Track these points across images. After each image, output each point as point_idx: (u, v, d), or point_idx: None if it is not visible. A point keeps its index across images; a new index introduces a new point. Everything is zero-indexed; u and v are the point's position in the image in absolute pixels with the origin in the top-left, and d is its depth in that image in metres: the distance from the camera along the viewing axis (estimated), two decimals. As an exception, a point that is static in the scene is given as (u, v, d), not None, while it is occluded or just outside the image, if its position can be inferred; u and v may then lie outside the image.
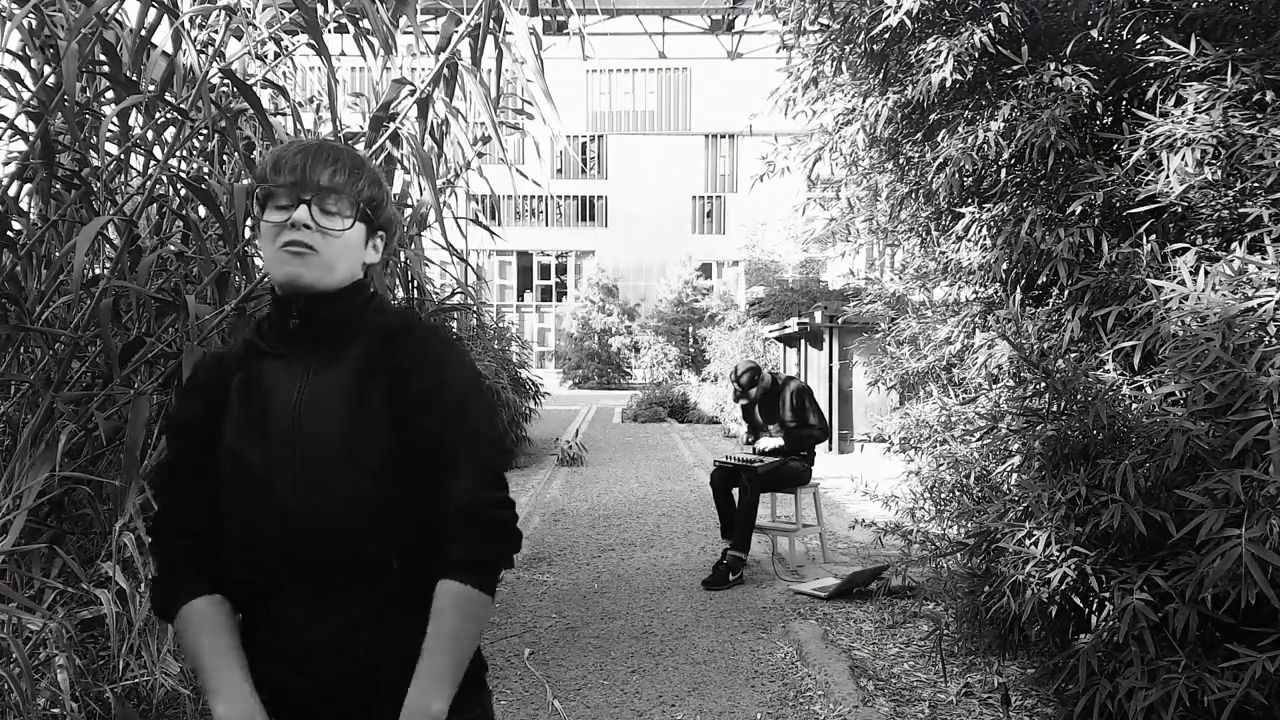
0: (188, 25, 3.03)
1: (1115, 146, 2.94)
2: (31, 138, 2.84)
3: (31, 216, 3.19)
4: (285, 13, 3.20)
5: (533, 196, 35.97)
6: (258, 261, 3.77)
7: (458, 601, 1.14)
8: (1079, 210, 2.87)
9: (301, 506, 1.15)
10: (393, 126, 3.14)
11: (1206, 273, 2.39)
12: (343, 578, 1.17)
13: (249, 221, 3.11)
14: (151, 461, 3.02)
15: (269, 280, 1.24)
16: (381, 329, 1.25)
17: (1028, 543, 2.64)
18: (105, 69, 2.99)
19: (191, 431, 1.25)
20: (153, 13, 3.05)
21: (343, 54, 3.68)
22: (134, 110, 3.05)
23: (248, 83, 3.16)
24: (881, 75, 3.50)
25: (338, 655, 1.16)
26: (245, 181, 3.57)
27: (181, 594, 1.21)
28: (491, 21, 3.07)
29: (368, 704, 1.16)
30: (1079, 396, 2.59)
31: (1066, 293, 2.95)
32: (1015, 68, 3.01)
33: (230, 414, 1.22)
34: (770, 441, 5.69)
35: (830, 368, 12.28)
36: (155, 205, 3.25)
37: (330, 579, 1.17)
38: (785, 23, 3.88)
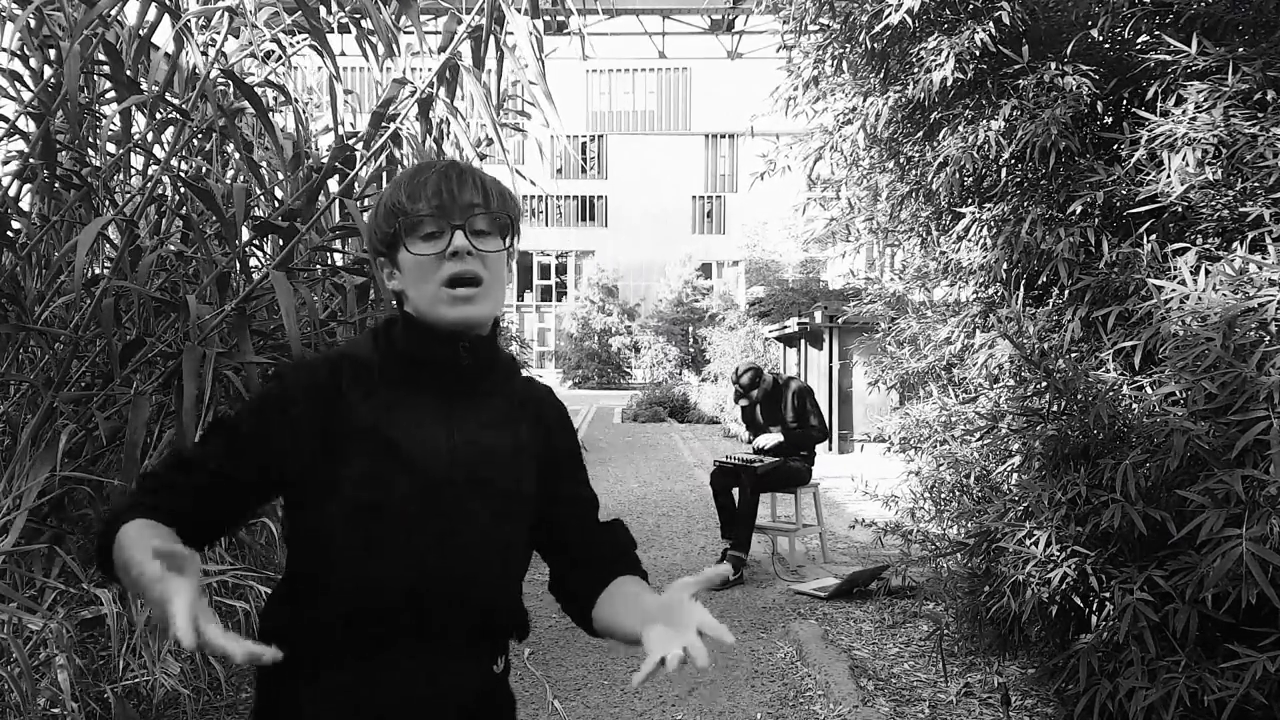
0: (190, 26, 3.03)
1: (1116, 146, 2.93)
2: (32, 138, 2.84)
3: (31, 217, 3.19)
4: (286, 14, 3.21)
5: (533, 196, 35.98)
6: (255, 262, 3.77)
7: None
8: (1079, 210, 2.87)
9: (452, 554, 1.09)
10: (393, 126, 3.14)
11: (1207, 272, 2.39)
12: (468, 629, 1.12)
13: (248, 222, 3.11)
14: (152, 461, 3.02)
15: (428, 319, 1.11)
16: (508, 373, 1.23)
17: (1028, 543, 2.64)
18: (106, 69, 2.99)
19: (251, 448, 1.09)
20: (153, 12, 3.05)
21: (342, 53, 3.68)
22: (134, 110, 3.05)
23: (247, 82, 3.16)
24: (882, 74, 3.50)
25: (447, 709, 1.11)
26: (242, 181, 3.57)
27: (124, 519, 1.00)
28: (493, 22, 3.07)
29: None
30: (1079, 396, 2.59)
31: (1067, 293, 2.95)
32: (1016, 67, 3.01)
33: (355, 451, 1.08)
34: (771, 438, 5.69)
35: (830, 368, 12.28)
36: (155, 205, 3.25)
37: (456, 630, 1.11)
38: (786, 22, 3.87)
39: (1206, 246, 2.59)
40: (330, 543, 1.07)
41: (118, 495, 1.12)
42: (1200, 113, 2.62)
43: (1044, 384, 2.75)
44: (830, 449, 11.67)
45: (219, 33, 3.22)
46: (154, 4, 3.02)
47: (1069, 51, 2.96)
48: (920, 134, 3.47)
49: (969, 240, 3.32)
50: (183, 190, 3.21)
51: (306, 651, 1.07)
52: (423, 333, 1.12)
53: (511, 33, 3.08)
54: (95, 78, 3.24)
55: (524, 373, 1.29)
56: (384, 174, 3.53)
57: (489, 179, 1.15)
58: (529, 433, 1.19)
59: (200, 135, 3.32)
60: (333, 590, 1.07)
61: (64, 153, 3.01)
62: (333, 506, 1.07)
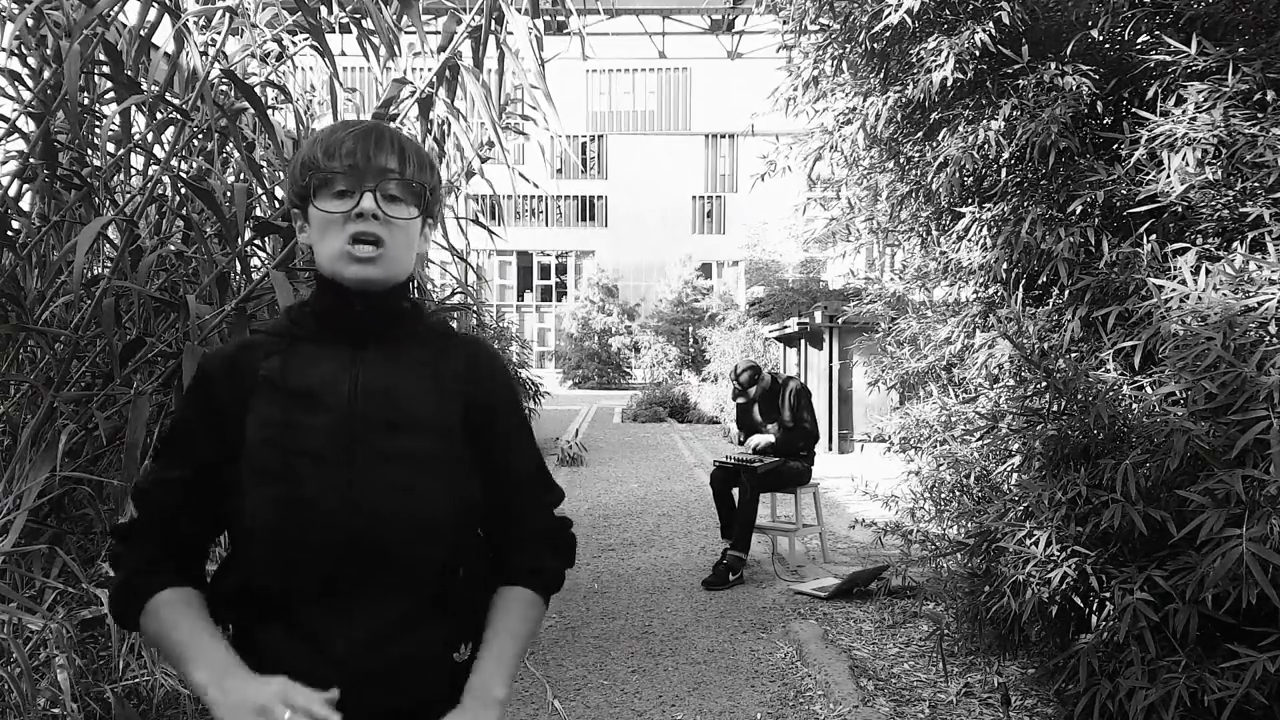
0: (190, 27, 3.03)
1: (1116, 146, 2.93)
2: (32, 138, 2.84)
3: (31, 217, 3.19)
4: (287, 14, 3.21)
5: (533, 196, 35.98)
6: (255, 262, 3.77)
7: (526, 604, 1.23)
8: (1079, 210, 2.87)
9: (360, 506, 1.08)
10: (393, 126, 3.14)
11: (1207, 272, 2.39)
12: (385, 583, 1.10)
13: (249, 222, 3.11)
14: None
15: (330, 275, 1.12)
16: (434, 332, 1.21)
17: (1028, 543, 2.64)
18: (106, 69, 2.99)
19: (196, 442, 1.15)
20: (153, 12, 3.05)
21: (343, 53, 3.68)
22: (134, 110, 3.04)
23: (248, 83, 3.15)
24: (882, 74, 3.50)
25: (368, 664, 1.10)
26: (244, 180, 3.57)
27: (149, 588, 1.12)
28: (493, 22, 3.07)
29: (392, 713, 1.12)
30: (1079, 396, 2.59)
31: (1067, 292, 2.95)
32: (1016, 67, 3.01)
33: (260, 408, 1.11)
34: (762, 438, 5.69)
35: (830, 368, 12.28)
36: (155, 205, 3.25)
37: (372, 584, 1.10)
38: (786, 22, 3.87)
39: (1206, 246, 2.59)
40: (243, 495, 1.09)
41: (119, 559, 1.20)
42: (1200, 113, 2.62)
43: (1044, 384, 2.75)
44: (830, 449, 11.67)
45: (219, 33, 3.22)
46: (154, 4, 3.02)
47: (1069, 51, 2.96)
48: (920, 134, 3.47)
49: (969, 240, 3.32)
50: (183, 190, 3.21)
51: (250, 607, 1.12)
52: (326, 288, 1.15)
53: (512, 33, 3.08)
54: (95, 78, 3.24)
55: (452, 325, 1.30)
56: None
57: (410, 144, 1.15)
58: (459, 399, 1.18)
59: (200, 135, 3.32)
60: (257, 533, 1.09)
61: (64, 153, 3.01)
62: (244, 460, 1.10)
